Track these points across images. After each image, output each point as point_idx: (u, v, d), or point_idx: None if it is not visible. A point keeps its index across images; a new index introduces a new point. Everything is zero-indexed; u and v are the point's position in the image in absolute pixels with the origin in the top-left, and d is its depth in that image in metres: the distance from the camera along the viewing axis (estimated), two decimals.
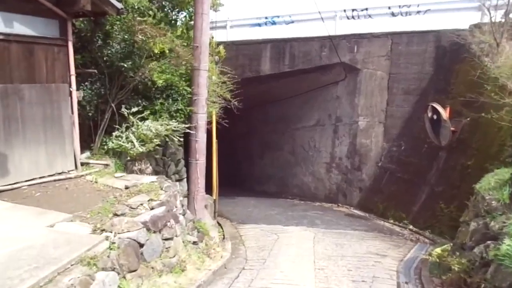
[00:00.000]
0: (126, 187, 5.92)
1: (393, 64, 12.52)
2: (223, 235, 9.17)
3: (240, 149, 20.32)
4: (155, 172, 9.37)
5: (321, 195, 14.61)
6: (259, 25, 14.61)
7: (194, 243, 6.22)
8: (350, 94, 13.28)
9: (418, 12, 12.45)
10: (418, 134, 11.62)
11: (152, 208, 5.18)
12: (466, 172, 9.40)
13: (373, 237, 9.18)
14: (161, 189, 5.90)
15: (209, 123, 9.67)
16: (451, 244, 6.95)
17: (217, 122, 10.99)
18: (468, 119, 9.99)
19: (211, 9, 11.74)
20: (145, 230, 4.66)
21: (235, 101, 10.51)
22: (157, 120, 7.55)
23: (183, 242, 5.86)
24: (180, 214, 5.98)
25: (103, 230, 4.49)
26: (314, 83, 14.54)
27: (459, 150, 9.95)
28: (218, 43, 12.63)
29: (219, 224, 10.82)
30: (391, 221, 11.06)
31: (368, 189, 12.90)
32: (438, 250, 7.09)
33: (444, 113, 9.85)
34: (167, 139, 8.62)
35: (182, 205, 6.31)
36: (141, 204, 5.22)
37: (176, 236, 5.54)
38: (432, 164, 10.71)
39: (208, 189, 10.37)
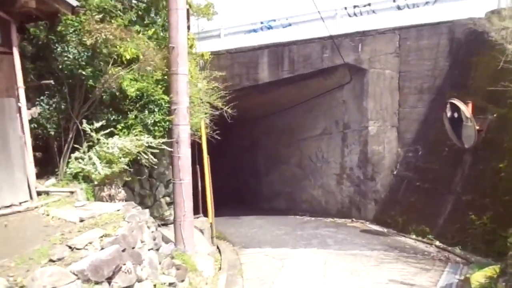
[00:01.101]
0: (81, 220, 4.63)
1: (402, 61, 11.15)
2: (220, 265, 7.79)
3: (246, 165, 19.03)
4: (140, 197, 8.12)
5: (333, 210, 13.14)
6: (254, 31, 13.39)
7: (171, 284, 4.89)
8: (357, 97, 11.91)
9: (427, 3, 11.11)
10: (437, 137, 10.16)
11: (102, 248, 3.87)
12: (498, 176, 7.90)
13: (395, 259, 7.69)
14: (124, 219, 4.61)
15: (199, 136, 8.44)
16: (496, 267, 5.47)
17: (211, 136, 9.79)
18: (495, 115, 8.55)
19: (203, 17, 10.72)
20: (79, 283, 3.34)
21: (229, 109, 9.25)
22: (131, 136, 6.29)
23: (154, 286, 4.54)
24: (148, 250, 4.67)
25: (22, 287, 3.20)
26: (317, 89, 13.22)
27: (488, 152, 8.46)
28: (212, 53, 11.53)
29: (219, 250, 9.49)
30: (413, 236, 9.54)
31: (384, 201, 11.41)
32: (478, 274, 5.59)
33: (466, 110, 8.40)
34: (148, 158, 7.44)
35: (154, 238, 5.01)
36: (90, 243, 3.91)
37: (140, 281, 4.23)
38: (456, 170, 9.21)
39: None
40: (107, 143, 5.79)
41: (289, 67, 12.29)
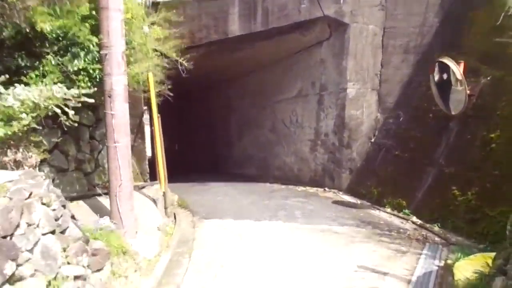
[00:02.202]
0: None
1: (388, 15, 9.83)
2: (167, 242, 6.66)
3: (219, 130, 17.74)
4: (76, 162, 6.80)
5: (306, 178, 12.10)
6: None
7: (79, 277, 3.72)
8: (337, 56, 10.59)
9: None
10: (421, 102, 9.04)
11: None
12: (488, 147, 6.85)
13: (367, 237, 6.67)
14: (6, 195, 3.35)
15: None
16: (487, 256, 4.46)
17: (167, 94, 8.46)
18: (489, 78, 7.41)
19: None
20: None
21: (188, 63, 7.88)
22: (49, 86, 4.89)
23: (48, 283, 3.36)
24: (43, 235, 3.45)
25: None
26: (294, 45, 11.82)
27: (478, 120, 7.37)
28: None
29: (175, 221, 8.37)
30: (388, 210, 8.57)
31: (359, 170, 10.38)
32: (463, 264, 4.58)
33: (458, 71, 7.23)
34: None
35: (57, 218, 3.78)
36: None
37: (19, 280, 3.04)
38: (440, 139, 8.14)
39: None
40: (8, 94, 4.41)
41: (263, 19, 10.78)
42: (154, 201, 8.14)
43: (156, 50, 7.51)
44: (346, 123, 10.39)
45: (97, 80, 5.41)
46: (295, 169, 12.59)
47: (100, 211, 6.09)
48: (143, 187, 8.56)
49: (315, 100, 11.47)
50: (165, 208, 7.92)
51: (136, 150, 12.93)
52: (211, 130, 18.42)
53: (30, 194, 3.52)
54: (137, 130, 13.24)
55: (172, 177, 15.93)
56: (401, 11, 9.65)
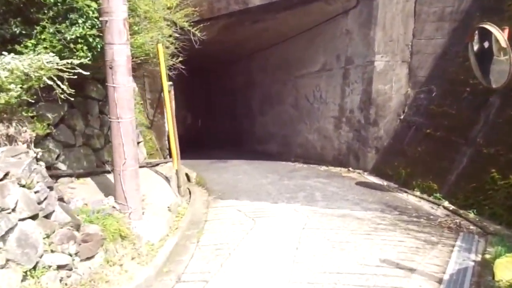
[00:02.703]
0: None
1: None
2: (177, 224, 6.25)
3: (241, 105, 17.18)
4: (85, 137, 6.43)
5: (329, 157, 11.44)
6: None
7: (63, 267, 3.31)
8: (364, 26, 9.71)
9: None
10: (457, 75, 8.13)
11: None
12: None
13: (392, 224, 6.03)
14: None
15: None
16: None
17: (178, 68, 7.93)
18: None
19: None
20: None
21: (199, 33, 7.29)
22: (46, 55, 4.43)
23: (25, 274, 2.97)
24: (20, 221, 3.03)
25: None
26: (318, 15, 10.97)
27: None
28: None
29: (190, 201, 8.00)
30: (417, 193, 7.86)
31: (386, 149, 9.63)
32: (505, 262, 3.92)
33: (502, 38, 6.31)
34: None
35: (41, 201, 3.36)
36: None
37: None
38: (478, 116, 7.29)
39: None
40: None
41: None
42: (168, 179, 7.76)
43: (166, 19, 6.95)
44: (373, 98, 9.59)
45: (98, 49, 4.91)
46: (318, 147, 11.93)
47: (107, 189, 5.74)
48: (157, 164, 8.17)
49: (340, 74, 10.68)
50: (178, 187, 7.52)
51: (155, 126, 12.60)
52: (234, 106, 17.88)
53: (6, 174, 3.10)
54: (156, 105, 12.87)
55: (194, 153, 15.62)
56: None
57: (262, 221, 6.34)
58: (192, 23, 7.73)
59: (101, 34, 4.88)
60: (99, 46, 4.93)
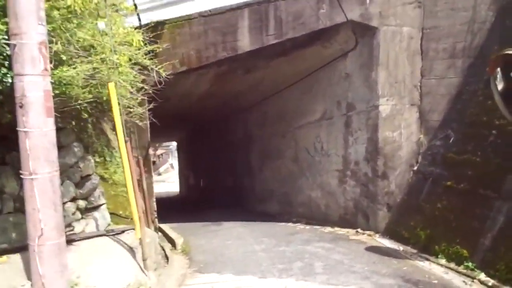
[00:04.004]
0: None
1: (427, 13, 7.82)
2: None
3: (240, 162, 15.91)
4: (19, 201, 5.08)
5: (335, 216, 9.85)
6: None
7: None
8: (365, 67, 8.58)
9: None
10: (478, 117, 6.81)
11: None
12: None
13: None
14: None
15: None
16: None
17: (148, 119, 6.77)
18: None
19: None
20: None
21: (162, 71, 6.21)
22: None
23: None
24: None
25: None
26: (314, 61, 9.96)
27: None
28: (183, 18, 8.82)
29: (161, 275, 6.45)
30: (443, 261, 6.20)
31: (400, 206, 8.07)
32: None
33: None
34: None
35: None
36: None
37: None
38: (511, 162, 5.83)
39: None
40: None
41: (276, 29, 9.04)
42: (133, 251, 6.27)
43: (131, 60, 5.88)
44: (380, 148, 8.21)
45: (7, 83, 3.72)
46: (322, 206, 10.38)
47: None
48: (123, 232, 6.70)
49: (341, 122, 9.41)
50: (144, 260, 5.99)
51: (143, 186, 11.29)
52: (234, 163, 16.61)
53: None
54: (144, 162, 11.64)
55: (191, 215, 14.13)
56: (443, 7, 7.62)
57: None
58: (179, 73, 6.71)
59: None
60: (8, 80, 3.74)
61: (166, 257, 7.90)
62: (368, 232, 8.50)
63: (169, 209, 17.22)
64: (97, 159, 8.76)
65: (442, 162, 7.36)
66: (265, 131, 13.58)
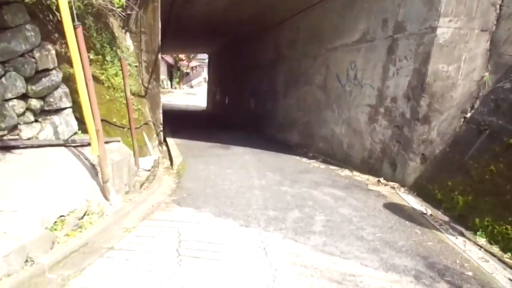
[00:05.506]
0: None
1: None
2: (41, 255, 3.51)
3: (266, 84, 14.15)
4: None
5: (356, 158, 8.23)
6: None
7: None
8: None
9: None
10: None
11: None
12: None
13: None
14: None
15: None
16: None
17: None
18: None
19: None
20: None
21: None
22: None
23: None
24: None
25: None
26: None
27: None
28: None
29: (128, 202, 5.33)
30: (482, 241, 4.59)
31: (438, 160, 6.31)
32: None
33: None
34: None
35: None
36: None
37: None
38: None
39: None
40: None
41: None
42: (95, 168, 5.05)
43: None
44: (427, 84, 6.24)
45: None
46: (345, 144, 8.72)
47: None
48: (88, 144, 5.45)
49: (384, 46, 7.34)
50: (104, 182, 4.75)
51: (150, 94, 9.97)
52: (260, 84, 14.86)
53: None
54: (152, 69, 10.22)
55: (205, 133, 12.93)
56: None
57: (194, 270, 3.44)
58: None
59: None
60: None
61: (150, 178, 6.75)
62: (392, 183, 6.89)
63: (186, 124, 16.13)
64: (92, 57, 7.39)
65: (508, 112, 5.38)
66: (295, 52, 11.56)
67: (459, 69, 6.08)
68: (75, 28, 3.89)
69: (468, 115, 6.19)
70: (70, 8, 3.77)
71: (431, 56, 6.15)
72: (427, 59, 6.23)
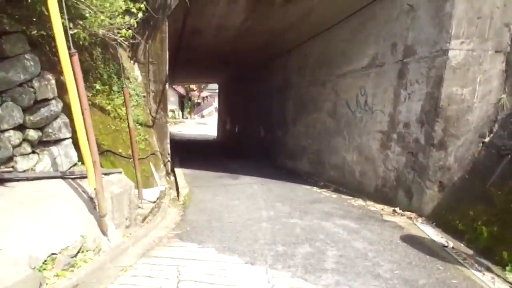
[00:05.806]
0: None
1: None
2: None
3: (276, 112, 13.99)
4: None
5: (370, 187, 7.84)
6: None
7: None
8: None
9: None
10: None
11: None
12: None
13: None
14: None
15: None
16: None
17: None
18: None
19: None
20: None
21: None
22: None
23: None
24: None
25: None
26: None
27: None
28: None
29: (128, 238, 5.04)
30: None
31: (457, 187, 5.90)
32: None
33: None
34: None
35: None
36: None
37: None
38: None
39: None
40: None
41: None
42: (92, 201, 4.80)
43: None
44: (441, 107, 5.93)
45: None
46: (357, 172, 8.36)
47: None
48: (85, 177, 5.23)
49: (394, 71, 7.10)
50: (101, 217, 4.49)
51: (157, 124, 9.84)
52: (269, 112, 14.71)
53: None
54: (159, 98, 10.13)
55: (214, 163, 12.69)
56: None
57: None
58: None
59: None
60: None
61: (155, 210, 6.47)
62: (408, 213, 6.47)
63: (195, 153, 15.96)
64: (98, 87, 7.32)
65: None
66: (304, 79, 11.42)
67: (475, 92, 5.77)
68: (71, 55, 3.74)
69: (487, 139, 5.83)
70: (66, 34, 3.63)
71: (444, 79, 5.87)
72: (439, 83, 5.95)
